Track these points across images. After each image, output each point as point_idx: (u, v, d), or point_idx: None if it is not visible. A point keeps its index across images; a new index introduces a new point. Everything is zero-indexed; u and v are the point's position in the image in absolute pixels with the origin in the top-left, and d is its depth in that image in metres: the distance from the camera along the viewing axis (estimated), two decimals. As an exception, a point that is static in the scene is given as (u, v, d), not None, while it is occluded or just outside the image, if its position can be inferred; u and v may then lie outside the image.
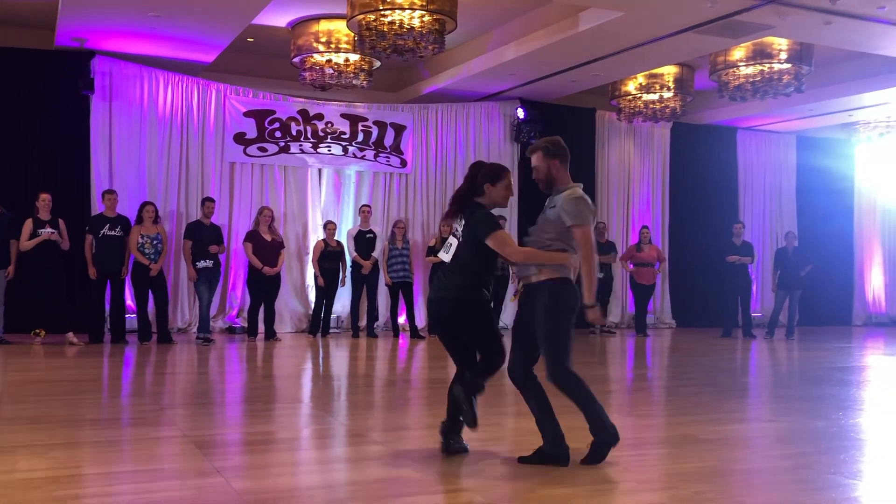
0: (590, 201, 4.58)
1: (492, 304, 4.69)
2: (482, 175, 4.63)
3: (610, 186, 15.52)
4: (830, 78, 13.69)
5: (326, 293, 12.31)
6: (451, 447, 4.65)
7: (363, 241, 12.56)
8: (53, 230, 10.35)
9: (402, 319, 13.14)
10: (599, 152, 15.43)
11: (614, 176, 15.57)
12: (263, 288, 11.60)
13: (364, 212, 12.79)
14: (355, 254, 12.47)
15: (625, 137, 15.70)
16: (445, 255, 4.94)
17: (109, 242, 10.64)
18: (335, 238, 12.54)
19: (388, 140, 13.78)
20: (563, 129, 14.56)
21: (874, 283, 18.16)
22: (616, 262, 14.17)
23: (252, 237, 11.70)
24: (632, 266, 14.12)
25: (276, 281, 11.78)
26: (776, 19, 9.92)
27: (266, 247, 11.63)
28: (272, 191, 13.11)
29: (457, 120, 14.23)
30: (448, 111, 14.23)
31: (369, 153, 13.68)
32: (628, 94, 13.68)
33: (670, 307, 15.89)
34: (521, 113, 14.30)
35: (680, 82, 13.41)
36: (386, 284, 12.73)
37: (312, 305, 12.72)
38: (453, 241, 4.76)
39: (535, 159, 4.67)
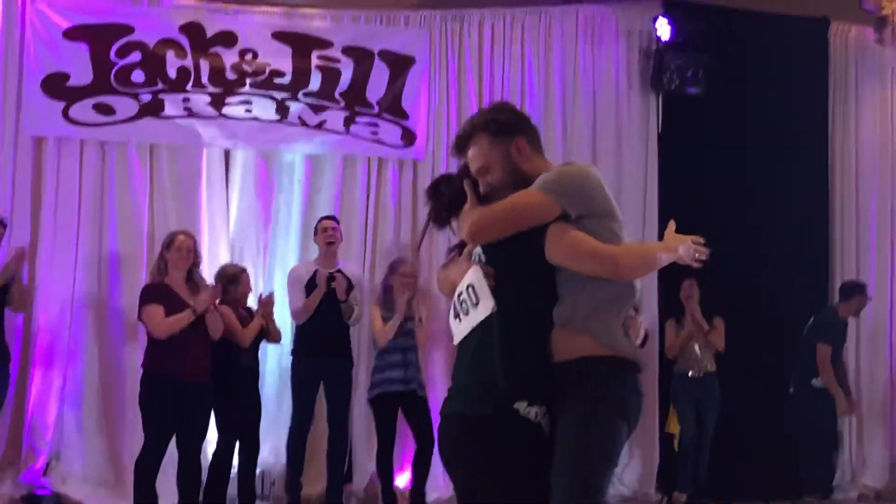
0: None
1: None
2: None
3: (861, 161, 9.24)
4: None
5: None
6: None
7: (314, 288, 6.53)
8: None
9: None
10: (837, 102, 9.46)
11: (867, 143, 9.24)
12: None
13: (326, 230, 6.65)
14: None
15: (891, 75, 9.37)
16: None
17: None
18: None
19: (377, 87, 7.44)
20: (759, 61, 7.83)
21: None
22: None
23: (156, 294, 5.66)
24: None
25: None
26: None
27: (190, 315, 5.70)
28: (122, 195, 7.16)
29: (524, 45, 7.84)
30: (503, 25, 7.84)
31: (335, 116, 7.36)
32: (901, -9, 7.67)
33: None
34: (664, 29, 8.06)
35: None
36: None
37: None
38: None
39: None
